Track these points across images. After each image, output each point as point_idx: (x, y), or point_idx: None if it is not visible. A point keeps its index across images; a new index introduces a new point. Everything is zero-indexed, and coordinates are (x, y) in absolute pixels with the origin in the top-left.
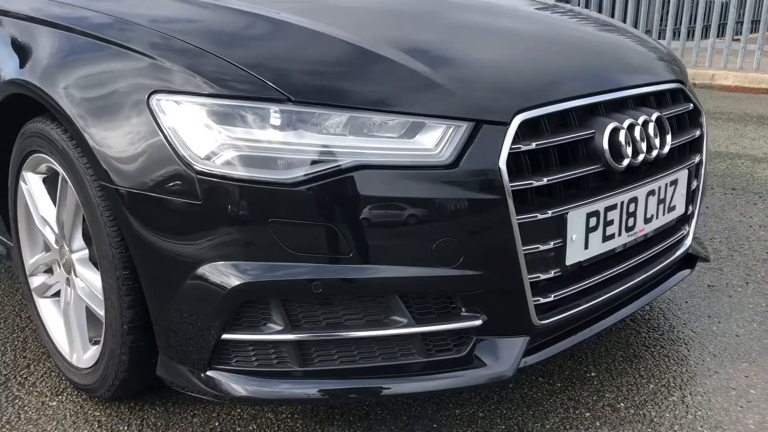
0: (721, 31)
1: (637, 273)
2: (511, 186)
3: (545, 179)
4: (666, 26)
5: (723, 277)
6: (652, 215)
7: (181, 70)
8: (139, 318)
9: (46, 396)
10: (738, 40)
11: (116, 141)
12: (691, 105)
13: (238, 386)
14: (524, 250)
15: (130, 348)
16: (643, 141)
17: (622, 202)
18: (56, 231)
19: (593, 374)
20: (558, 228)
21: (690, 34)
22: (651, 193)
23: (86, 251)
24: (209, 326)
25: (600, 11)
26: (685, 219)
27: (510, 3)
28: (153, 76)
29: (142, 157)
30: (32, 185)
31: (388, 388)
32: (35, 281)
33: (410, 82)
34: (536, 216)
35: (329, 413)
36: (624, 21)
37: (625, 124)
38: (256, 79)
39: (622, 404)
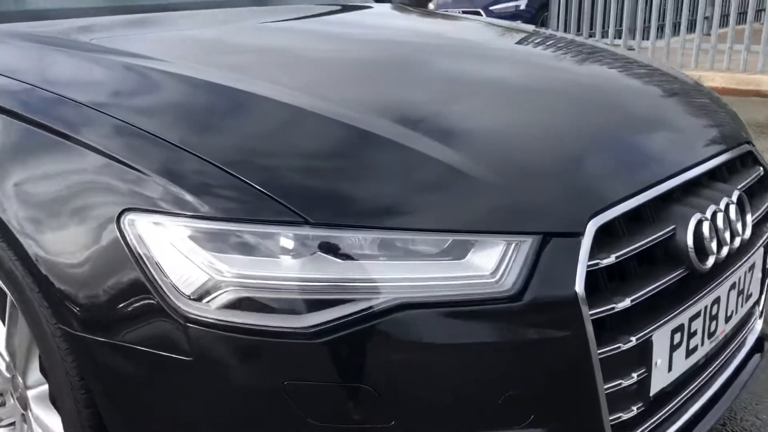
0: (705, 28)
1: (716, 379)
2: (592, 314)
3: (628, 299)
4: (650, 23)
5: None
6: (732, 311)
7: (164, 183)
8: None
9: None
10: (724, 38)
11: (78, 274)
12: (761, 169)
13: None
14: (606, 389)
15: None
16: (727, 230)
17: (706, 307)
18: (6, 358)
19: None
20: (642, 355)
21: (676, 28)
22: (732, 287)
23: (45, 387)
24: None
25: (580, 9)
26: (756, 302)
27: (516, 46)
28: (127, 189)
29: (112, 296)
30: None
31: None
32: None
33: (451, 183)
34: (619, 347)
35: None
36: (603, 20)
37: (709, 212)
38: (262, 194)
39: None
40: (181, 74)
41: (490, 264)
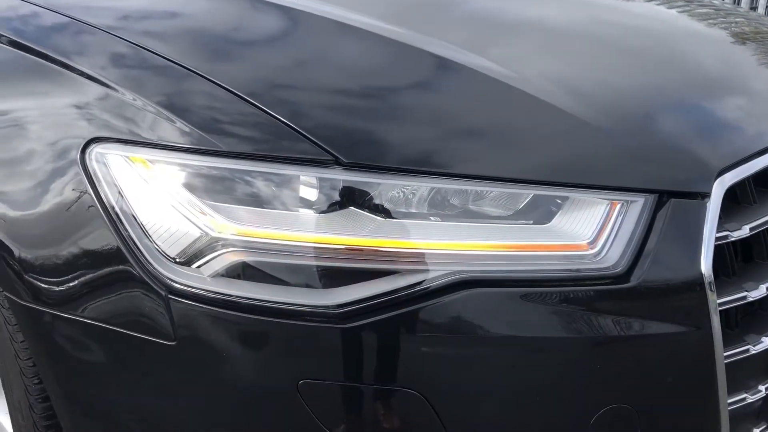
0: None
1: None
2: (719, 303)
3: (764, 287)
4: None
5: None
6: None
7: (147, 105)
8: None
9: None
10: None
11: (27, 228)
12: None
13: None
14: (731, 405)
15: None
16: None
17: None
18: None
19: None
20: None
21: None
22: None
23: None
24: None
25: None
26: None
27: None
28: (97, 114)
29: (71, 258)
30: None
31: None
32: None
33: (536, 120)
34: (748, 348)
35: None
36: None
37: None
38: (282, 125)
39: None
40: None
41: (587, 231)
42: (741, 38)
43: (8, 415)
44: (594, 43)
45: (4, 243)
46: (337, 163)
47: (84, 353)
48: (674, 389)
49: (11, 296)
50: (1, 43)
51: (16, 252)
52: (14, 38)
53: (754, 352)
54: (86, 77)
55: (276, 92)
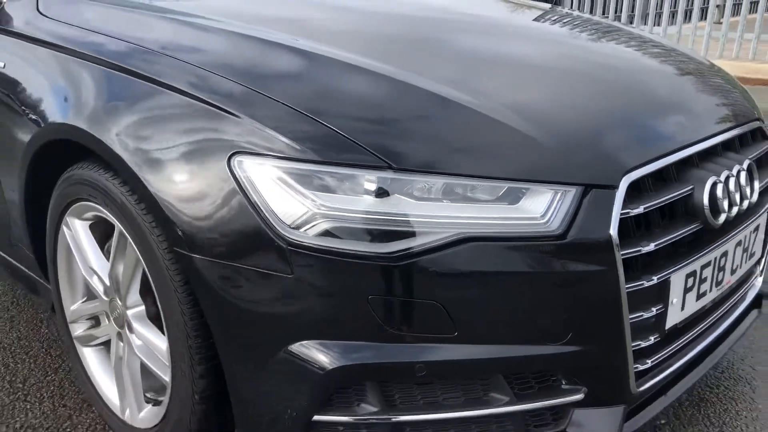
0: (717, 16)
1: (720, 323)
2: (622, 254)
3: (653, 244)
4: (662, 9)
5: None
6: (737, 266)
7: (268, 130)
8: (212, 388)
9: None
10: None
11: (193, 205)
12: None
13: None
14: (631, 319)
15: (200, 419)
16: (737, 192)
17: (715, 258)
18: (107, 283)
19: (663, 422)
20: (661, 293)
21: (687, 15)
22: (738, 244)
23: (143, 308)
24: (299, 407)
25: None
26: (758, 261)
27: (547, 27)
28: (235, 135)
29: (223, 224)
30: (78, 232)
31: None
32: (77, 329)
33: (513, 142)
34: (643, 283)
35: None
36: (616, 5)
37: (723, 176)
38: (353, 144)
39: None
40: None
41: (539, 208)
42: (667, 73)
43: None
44: (552, 75)
45: (177, 216)
46: (390, 167)
47: (231, 284)
48: (595, 306)
49: (179, 249)
50: (173, 92)
51: (186, 221)
52: (181, 88)
53: (646, 285)
54: (225, 112)
55: (349, 120)
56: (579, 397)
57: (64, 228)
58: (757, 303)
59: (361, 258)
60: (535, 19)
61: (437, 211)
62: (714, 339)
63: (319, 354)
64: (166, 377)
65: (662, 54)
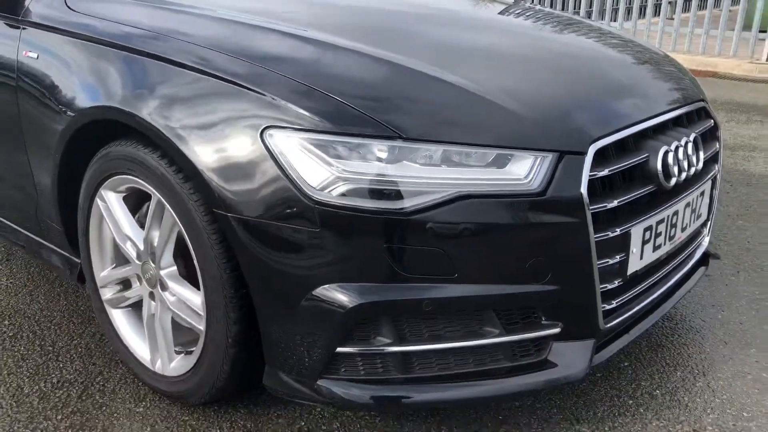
0: (669, 12)
1: (673, 274)
2: (591, 209)
3: (615, 201)
4: (618, 5)
5: (716, 266)
6: (687, 224)
7: (295, 107)
8: (244, 332)
9: (130, 402)
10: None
11: (230, 172)
12: (712, 121)
13: (348, 394)
14: (598, 264)
15: (233, 360)
16: (685, 160)
17: (668, 216)
18: (141, 248)
19: (626, 364)
20: (623, 243)
21: (642, 11)
22: (687, 205)
23: (175, 268)
24: (324, 342)
25: None
26: (704, 223)
27: (514, 20)
28: (266, 112)
29: (258, 188)
30: (112, 203)
31: (480, 391)
32: (107, 293)
33: (499, 116)
34: (608, 234)
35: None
36: (574, 2)
37: (673, 146)
38: (368, 118)
39: (657, 391)
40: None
41: (523, 171)
42: (626, 60)
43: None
44: (526, 61)
45: (211, 179)
46: (399, 137)
47: (265, 240)
48: (569, 252)
49: (217, 210)
50: (209, 76)
51: (222, 184)
52: (216, 73)
53: (611, 236)
54: (257, 93)
55: (362, 99)
56: (556, 330)
57: (98, 200)
58: (704, 261)
59: (377, 214)
60: (503, 12)
61: (438, 174)
62: (668, 289)
63: (340, 295)
64: (201, 326)
65: (620, 44)
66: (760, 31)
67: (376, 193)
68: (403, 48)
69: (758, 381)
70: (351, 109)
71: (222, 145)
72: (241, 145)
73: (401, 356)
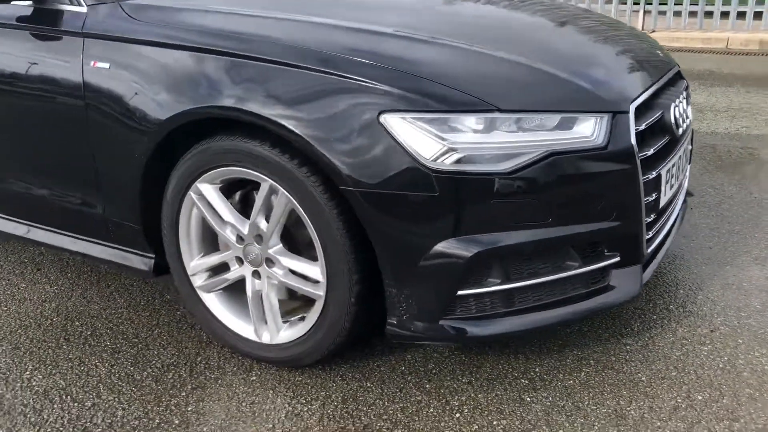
0: None
1: (674, 208)
2: (639, 156)
3: (652, 150)
4: None
5: None
6: (683, 167)
7: (408, 93)
8: (365, 292)
9: (240, 373)
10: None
11: (353, 151)
12: (685, 81)
13: (466, 330)
14: (645, 201)
15: (354, 317)
16: (684, 112)
17: (676, 160)
18: (245, 232)
19: None
20: (656, 183)
21: None
22: (684, 152)
23: (281, 246)
24: (445, 288)
25: None
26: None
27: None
28: (382, 100)
29: (381, 164)
30: (210, 194)
31: (562, 314)
32: (197, 280)
33: (565, 88)
34: (649, 176)
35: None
36: None
37: (676, 102)
38: (469, 96)
39: (672, 306)
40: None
41: (588, 131)
42: (626, 36)
43: (301, 260)
44: (566, 42)
45: (338, 159)
46: (498, 110)
47: (388, 208)
48: (627, 193)
49: (346, 187)
50: (327, 75)
51: (348, 162)
52: (328, 70)
53: (651, 177)
54: (372, 83)
55: (463, 81)
56: (617, 259)
57: (192, 194)
58: (684, 199)
59: (485, 175)
60: (532, 12)
61: (524, 138)
62: (673, 221)
63: (458, 248)
64: (319, 292)
65: (615, 24)
66: (634, 3)
67: (481, 159)
68: (479, 41)
69: (741, 289)
70: (453, 90)
71: (347, 132)
72: (362, 129)
73: (506, 293)
